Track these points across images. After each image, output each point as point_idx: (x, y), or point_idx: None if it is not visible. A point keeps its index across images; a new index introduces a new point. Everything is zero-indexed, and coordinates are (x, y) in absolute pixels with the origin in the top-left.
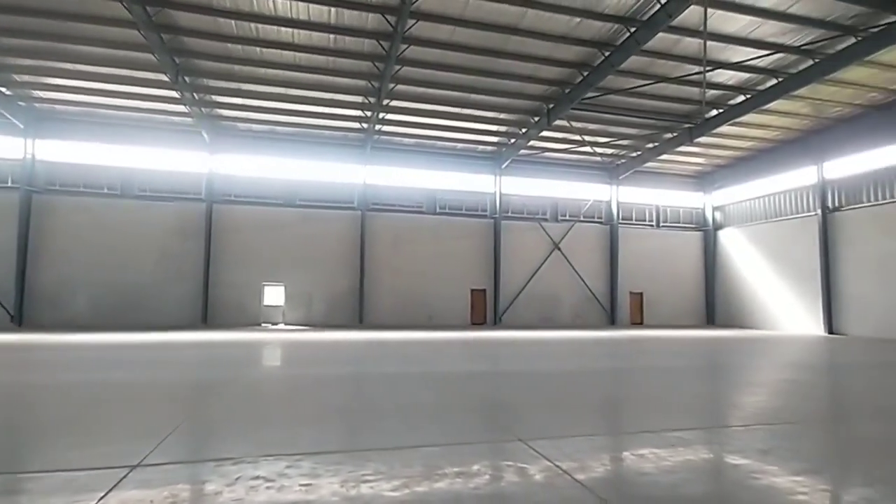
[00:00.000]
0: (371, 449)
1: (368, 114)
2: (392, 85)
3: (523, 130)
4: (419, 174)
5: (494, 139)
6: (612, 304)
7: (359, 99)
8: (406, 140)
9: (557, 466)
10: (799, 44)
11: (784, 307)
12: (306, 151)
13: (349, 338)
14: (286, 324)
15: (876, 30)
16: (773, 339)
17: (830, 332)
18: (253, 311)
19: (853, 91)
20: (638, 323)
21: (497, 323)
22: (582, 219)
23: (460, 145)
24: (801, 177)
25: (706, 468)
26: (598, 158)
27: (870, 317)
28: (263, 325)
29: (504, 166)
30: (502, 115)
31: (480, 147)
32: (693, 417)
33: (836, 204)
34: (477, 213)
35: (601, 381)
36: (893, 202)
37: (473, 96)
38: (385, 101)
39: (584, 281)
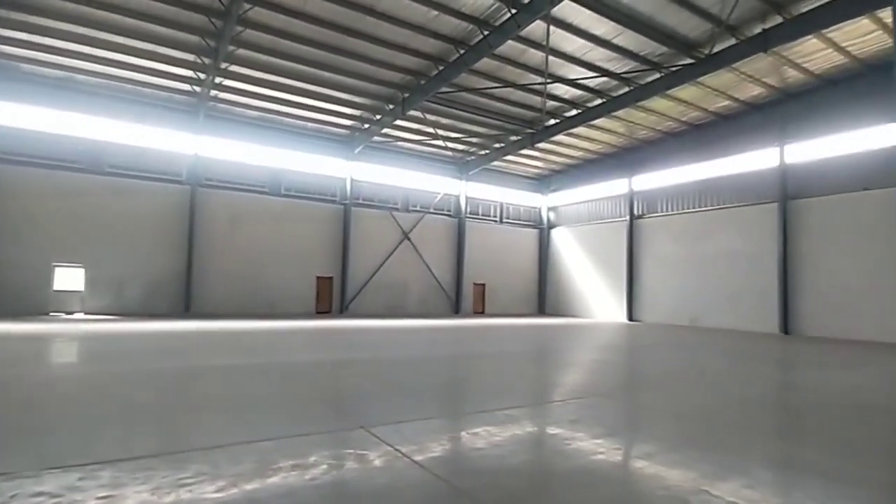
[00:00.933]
0: (193, 449)
1: (202, 76)
2: (232, 48)
3: (378, 117)
4: (263, 151)
5: (348, 122)
6: (457, 293)
7: (190, 57)
8: (249, 112)
9: (397, 450)
10: (620, 71)
11: (600, 298)
12: (118, 109)
13: (172, 328)
14: (86, 313)
15: (675, 69)
16: (589, 326)
17: (631, 319)
18: (39, 298)
19: (657, 118)
20: (480, 312)
21: (344, 311)
22: (432, 210)
23: (311, 125)
24: (616, 187)
25: (528, 439)
26: (450, 153)
27: (660, 306)
28: (53, 314)
29: (357, 151)
30: (356, 98)
31: (332, 129)
32: (521, 396)
33: (641, 212)
34: (326, 197)
35: (444, 366)
36: (679, 213)
37: (326, 74)
38: (223, 65)
39: (431, 271)
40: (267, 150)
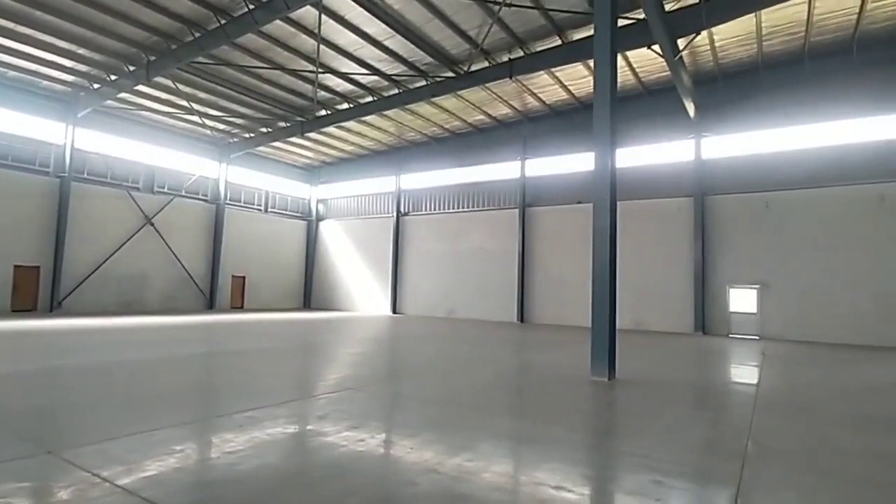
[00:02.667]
0: None
1: None
2: None
3: (113, 77)
4: None
5: (68, 77)
6: (212, 287)
7: None
8: None
9: (96, 475)
10: (390, 72)
11: (366, 292)
12: None
13: None
14: None
15: (439, 80)
16: (354, 319)
17: (395, 312)
18: None
19: (424, 122)
20: (238, 307)
21: (55, 309)
22: (185, 194)
23: (11, 72)
24: (386, 184)
25: (269, 441)
26: (209, 132)
27: (422, 299)
28: None
29: (82, 115)
30: (81, 50)
31: (44, 81)
32: (269, 396)
33: (407, 209)
34: (34, 167)
35: (183, 368)
36: (441, 213)
37: (36, 13)
38: None
39: (181, 262)
40: None
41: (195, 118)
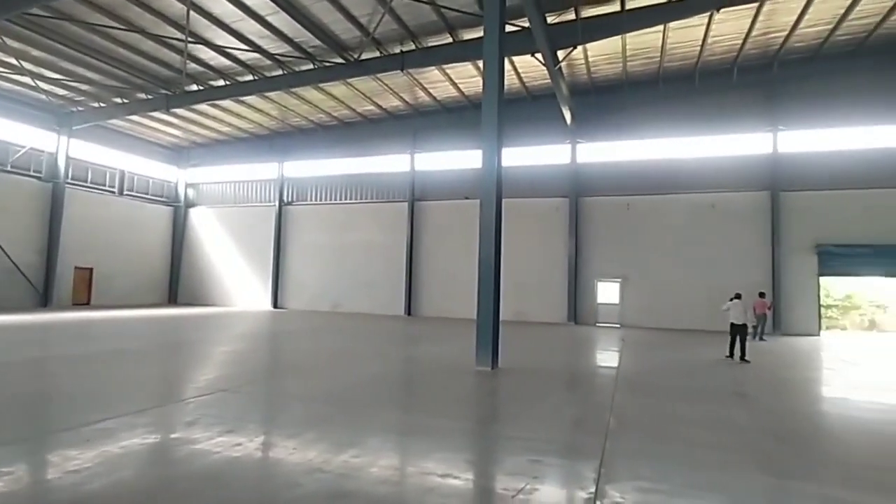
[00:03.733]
0: None
1: None
2: None
3: None
4: None
5: None
6: (47, 280)
7: None
8: None
9: None
10: (274, 51)
11: (244, 285)
12: None
13: None
14: None
15: (328, 65)
16: (229, 315)
17: (276, 306)
18: None
19: (310, 108)
20: (83, 303)
21: None
22: (10, 169)
23: None
24: (267, 170)
25: (122, 455)
26: (44, 97)
27: (304, 293)
28: None
29: None
30: None
31: None
32: (125, 403)
33: (290, 198)
34: None
35: (12, 378)
36: (327, 204)
37: None
38: None
39: (3, 250)
40: None
41: (27, 79)
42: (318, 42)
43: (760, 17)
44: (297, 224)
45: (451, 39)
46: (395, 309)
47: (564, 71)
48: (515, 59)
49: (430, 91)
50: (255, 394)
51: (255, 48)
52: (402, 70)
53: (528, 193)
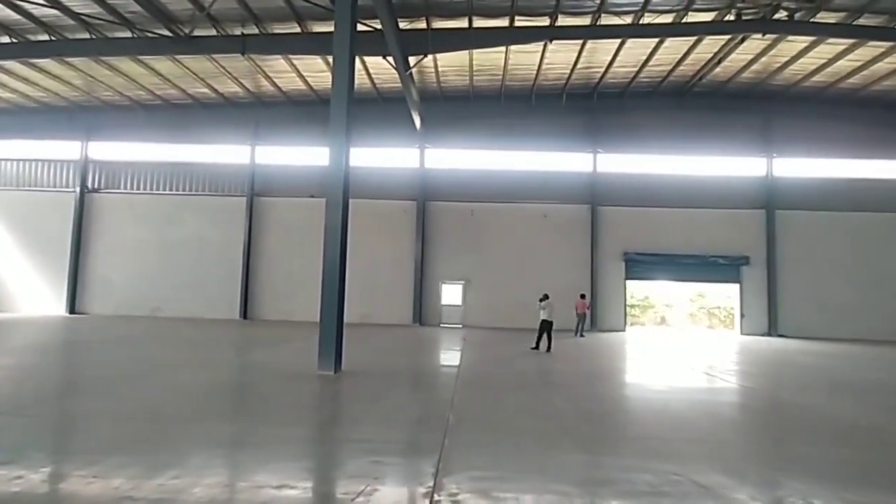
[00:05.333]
0: None
1: None
2: None
3: None
4: None
5: None
6: None
7: None
8: None
9: None
10: (78, 10)
11: (28, 286)
12: None
13: None
14: None
15: (151, 35)
16: (11, 322)
17: (73, 311)
18: None
19: (126, 82)
20: None
21: None
22: None
23: None
24: (66, 149)
25: None
26: None
27: (113, 296)
28: None
29: None
30: None
31: None
32: None
33: (97, 185)
34: None
35: None
36: (147, 193)
37: None
38: None
39: None
40: None
41: None
42: (138, 8)
43: (584, 53)
44: (105, 215)
45: (299, 29)
46: (230, 312)
47: (415, 77)
48: (367, 59)
49: (276, 81)
50: (44, 416)
51: (54, 3)
52: (242, 54)
53: (377, 195)
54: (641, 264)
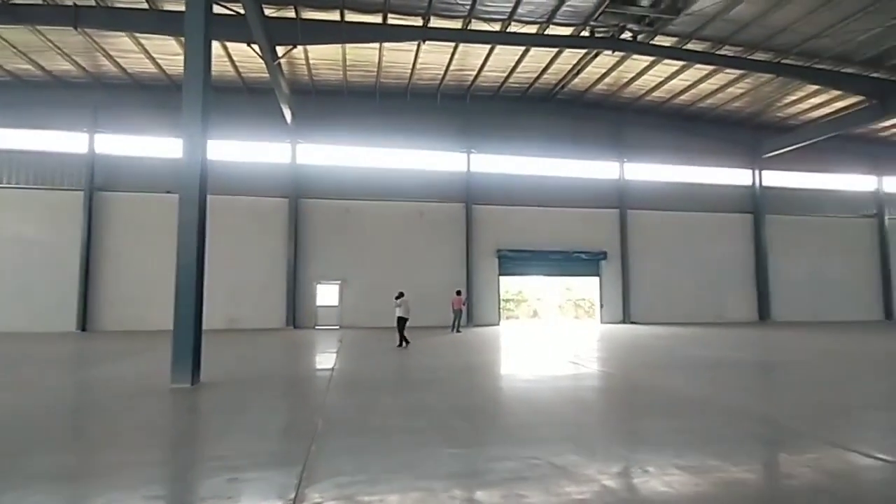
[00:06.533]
0: None
1: None
2: None
3: None
4: None
5: None
6: None
7: None
8: None
9: None
10: None
11: None
12: None
13: None
14: None
15: None
16: None
17: None
18: None
19: None
20: None
21: None
22: None
23: None
24: None
25: None
26: None
27: None
28: None
29: None
30: None
31: None
32: None
33: None
34: None
35: None
36: None
37: None
38: None
39: None
40: None
41: None
42: None
43: (457, 56)
44: None
45: (146, 6)
46: (64, 324)
47: (285, 68)
48: (231, 46)
49: (119, 61)
50: None
51: None
52: (75, 28)
53: (246, 191)
54: (513, 261)
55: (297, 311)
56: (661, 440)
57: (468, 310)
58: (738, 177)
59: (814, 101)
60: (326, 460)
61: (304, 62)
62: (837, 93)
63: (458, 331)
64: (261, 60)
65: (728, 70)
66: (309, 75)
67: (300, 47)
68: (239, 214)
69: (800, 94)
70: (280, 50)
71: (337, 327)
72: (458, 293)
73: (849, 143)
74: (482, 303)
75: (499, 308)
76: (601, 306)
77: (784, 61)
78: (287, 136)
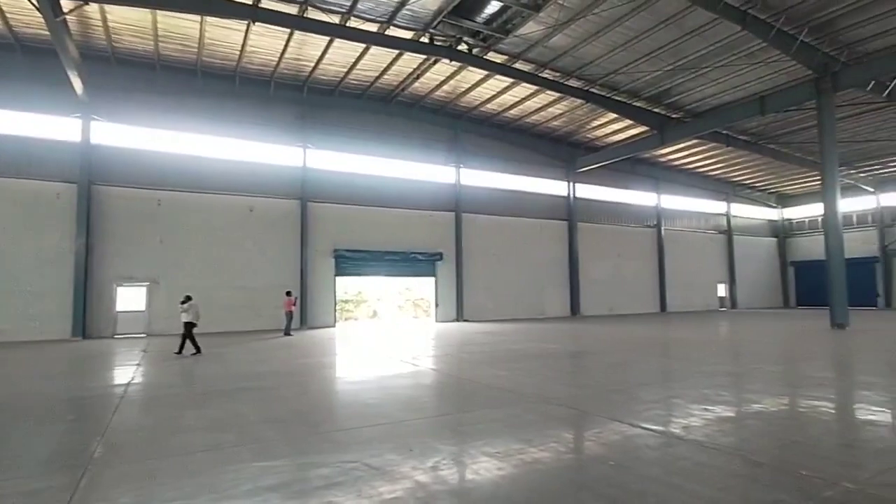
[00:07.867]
0: None
1: None
2: None
3: None
4: None
5: None
6: None
7: None
8: None
9: None
10: None
11: None
12: None
13: None
14: None
15: None
16: None
17: None
18: None
19: None
20: None
21: None
22: None
23: None
24: None
25: None
26: None
27: None
28: None
29: None
30: None
31: None
32: None
33: None
34: None
35: None
36: None
37: None
38: None
39: None
40: None
41: None
42: None
43: (292, 44)
44: None
45: None
46: None
47: (75, 29)
48: None
49: None
50: None
51: None
52: None
53: (13, 173)
54: (351, 261)
55: (88, 319)
56: (475, 431)
57: (301, 311)
58: (556, 188)
59: (615, 127)
60: (101, 493)
61: (100, 24)
62: (630, 122)
63: (288, 333)
64: (37, 12)
65: (549, 91)
66: (108, 41)
67: (95, 7)
68: (4, 201)
69: (604, 119)
70: (65, 4)
71: (143, 336)
72: (289, 294)
73: (638, 164)
74: (317, 304)
75: (335, 309)
76: (437, 305)
77: (592, 90)
78: (79, 109)
